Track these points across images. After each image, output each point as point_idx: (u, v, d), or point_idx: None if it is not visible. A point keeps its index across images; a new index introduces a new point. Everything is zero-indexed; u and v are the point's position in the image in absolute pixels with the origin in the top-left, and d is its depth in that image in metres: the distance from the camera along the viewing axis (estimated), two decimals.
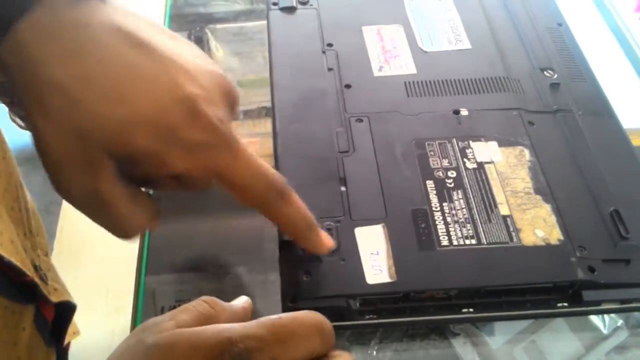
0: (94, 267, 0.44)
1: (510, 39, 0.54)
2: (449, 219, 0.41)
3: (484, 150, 0.45)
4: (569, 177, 0.44)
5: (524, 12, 0.57)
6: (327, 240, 0.37)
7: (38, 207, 0.34)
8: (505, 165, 0.44)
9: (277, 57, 0.51)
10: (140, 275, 0.44)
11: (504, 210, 0.41)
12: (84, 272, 0.43)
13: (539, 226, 0.41)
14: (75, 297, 0.39)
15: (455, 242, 0.39)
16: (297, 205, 0.34)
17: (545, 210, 0.42)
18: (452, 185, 0.43)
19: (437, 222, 0.40)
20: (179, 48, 0.30)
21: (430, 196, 0.42)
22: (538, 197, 0.42)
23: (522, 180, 0.43)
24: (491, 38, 0.54)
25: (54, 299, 0.32)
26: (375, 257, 0.39)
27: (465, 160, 0.44)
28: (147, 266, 0.45)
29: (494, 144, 0.45)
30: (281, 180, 0.33)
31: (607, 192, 0.43)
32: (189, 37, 0.64)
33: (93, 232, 0.43)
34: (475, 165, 0.44)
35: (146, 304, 0.43)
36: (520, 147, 0.45)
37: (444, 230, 0.40)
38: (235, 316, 0.30)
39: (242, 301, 0.32)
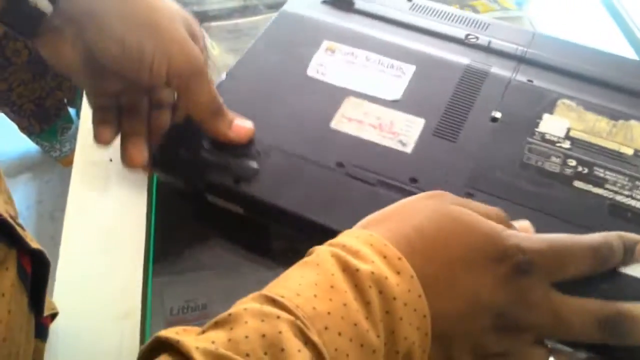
0: (101, 272, 0.44)
1: None
2: None
3: None
4: None
5: None
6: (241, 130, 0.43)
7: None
8: None
9: None
10: (147, 278, 0.44)
11: None
12: (90, 278, 0.43)
13: None
14: (83, 302, 0.41)
15: None
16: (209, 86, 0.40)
17: None
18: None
19: None
20: None
21: None
22: None
23: None
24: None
25: (32, 244, 0.34)
26: None
27: None
28: (153, 268, 0.45)
29: None
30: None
31: None
32: None
33: (98, 237, 0.45)
34: None
35: (155, 306, 0.43)
36: None
37: None
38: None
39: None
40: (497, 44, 0.51)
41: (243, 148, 0.43)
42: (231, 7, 0.69)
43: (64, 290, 0.42)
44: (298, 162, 0.43)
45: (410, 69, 0.49)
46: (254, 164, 0.42)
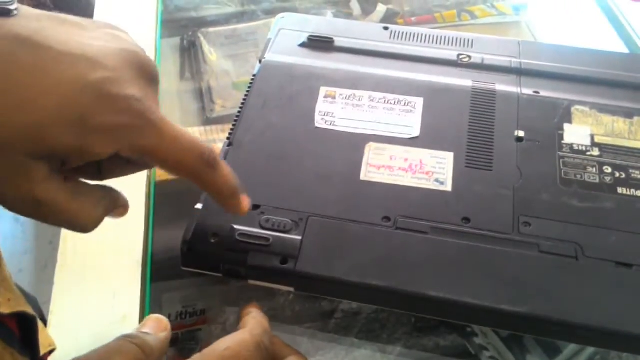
0: (99, 276, 0.44)
1: None
2: None
3: None
4: None
5: None
6: (245, 203, 0.37)
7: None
8: None
9: None
10: (145, 283, 0.44)
11: None
12: (88, 282, 0.43)
13: None
14: (81, 307, 0.41)
15: None
16: (224, 173, 0.34)
17: None
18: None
19: None
20: (82, 38, 0.30)
21: None
22: None
23: None
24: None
25: (6, 309, 0.32)
26: None
27: None
28: (151, 273, 0.45)
29: None
30: (209, 151, 0.33)
31: None
32: (182, 42, 0.66)
33: (96, 241, 0.45)
34: None
35: (153, 311, 0.43)
36: None
37: None
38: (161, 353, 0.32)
39: (163, 331, 0.33)
40: (490, 59, 0.51)
41: (279, 223, 0.40)
42: (229, 13, 0.69)
43: (62, 295, 0.42)
44: (340, 225, 0.40)
45: (418, 102, 0.47)
46: (296, 238, 0.39)
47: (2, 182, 0.28)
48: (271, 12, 0.70)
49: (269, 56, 0.51)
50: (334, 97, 0.47)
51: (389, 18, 0.73)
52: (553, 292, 0.36)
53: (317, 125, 0.45)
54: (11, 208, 0.30)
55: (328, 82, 0.48)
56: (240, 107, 0.47)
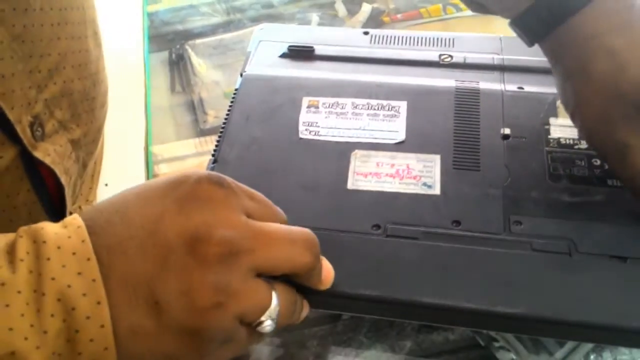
0: None
1: None
2: None
3: None
4: None
5: None
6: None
7: None
8: None
9: None
10: None
11: None
12: None
13: None
14: None
15: None
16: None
17: None
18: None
19: None
20: None
21: None
22: None
23: None
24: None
25: (40, 154, 0.37)
26: None
27: None
28: None
29: None
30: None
31: None
32: (170, 56, 0.67)
33: None
34: None
35: None
36: None
37: None
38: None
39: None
40: (472, 58, 0.50)
41: None
42: (215, 23, 0.71)
43: None
44: (330, 236, 0.39)
45: (402, 105, 0.46)
46: None
47: (604, 125, 0.36)
48: (257, 20, 0.70)
49: (250, 69, 0.51)
50: (317, 107, 0.47)
51: (374, 17, 0.72)
52: (548, 291, 0.36)
53: (301, 136, 0.45)
54: (595, 147, 0.38)
55: (310, 91, 0.48)
56: (224, 123, 0.47)
